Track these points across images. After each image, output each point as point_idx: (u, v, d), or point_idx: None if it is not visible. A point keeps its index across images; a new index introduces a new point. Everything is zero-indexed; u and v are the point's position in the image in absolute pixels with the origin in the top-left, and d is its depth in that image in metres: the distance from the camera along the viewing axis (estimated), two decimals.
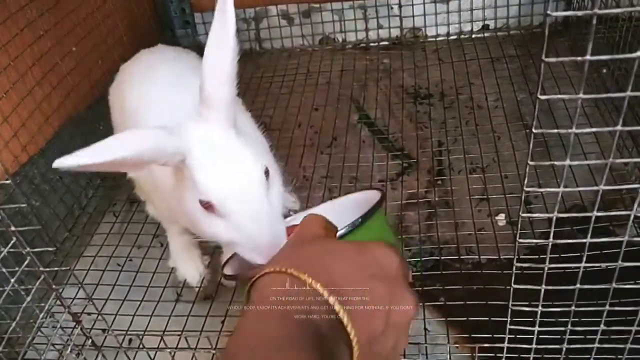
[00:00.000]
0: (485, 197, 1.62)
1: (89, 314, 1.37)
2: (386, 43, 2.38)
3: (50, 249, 1.32)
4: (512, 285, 0.93)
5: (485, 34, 2.31)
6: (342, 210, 0.96)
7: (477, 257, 1.46)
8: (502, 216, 1.58)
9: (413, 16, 2.32)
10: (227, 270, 0.93)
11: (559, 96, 0.72)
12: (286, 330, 0.60)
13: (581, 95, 0.68)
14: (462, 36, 2.33)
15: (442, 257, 1.47)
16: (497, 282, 1.34)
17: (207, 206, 0.93)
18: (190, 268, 1.48)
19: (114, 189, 1.83)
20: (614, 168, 1.61)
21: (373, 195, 0.92)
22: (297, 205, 1.60)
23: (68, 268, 1.37)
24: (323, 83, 2.19)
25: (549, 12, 0.63)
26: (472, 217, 1.55)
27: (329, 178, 1.77)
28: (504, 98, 1.95)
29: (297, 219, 0.98)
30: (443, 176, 1.73)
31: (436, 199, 1.64)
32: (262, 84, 2.26)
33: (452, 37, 2.33)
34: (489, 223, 1.55)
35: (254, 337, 0.61)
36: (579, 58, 0.66)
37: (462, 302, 1.32)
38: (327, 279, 0.64)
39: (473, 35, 2.32)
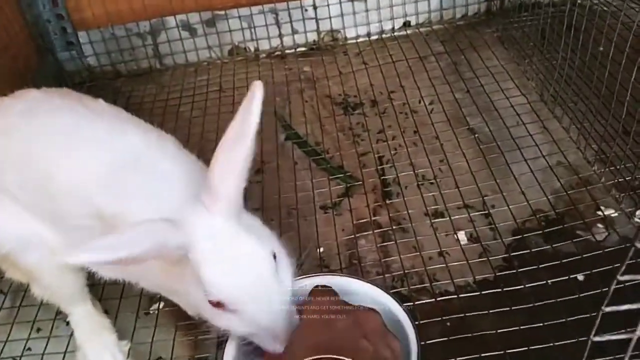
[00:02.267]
0: (441, 214, 1.47)
1: None
2: (304, 49, 2.20)
3: None
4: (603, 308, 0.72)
5: (408, 31, 2.19)
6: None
7: (444, 283, 1.31)
8: (462, 234, 1.44)
9: (330, 17, 2.15)
10: None
11: None
12: None
13: None
14: (384, 35, 2.19)
15: (410, 288, 1.31)
16: (473, 309, 1.21)
17: (217, 304, 0.89)
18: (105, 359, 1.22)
19: None
20: (576, 165, 1.53)
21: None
22: None
23: None
24: (240, 100, 1.95)
25: None
26: (434, 239, 1.40)
27: (265, 210, 1.55)
28: (441, 99, 1.82)
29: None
30: (391, 194, 1.57)
31: (392, 228, 1.46)
32: (167, 106, 1.99)
33: (373, 37, 2.19)
34: (449, 242, 1.41)
35: None
36: None
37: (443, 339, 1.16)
38: None
39: (395, 34, 2.19)
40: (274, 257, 0.91)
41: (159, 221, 0.87)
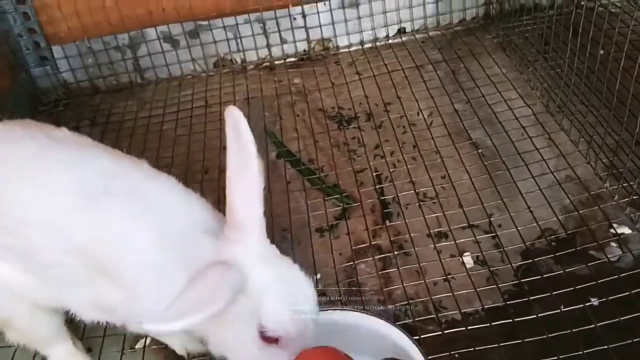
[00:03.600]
0: (445, 235, 1.43)
1: None
2: (294, 59, 2.16)
3: None
4: None
5: (403, 38, 2.16)
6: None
7: (451, 312, 1.27)
8: (468, 257, 1.40)
9: (320, 26, 2.12)
10: None
11: None
12: None
13: None
14: (378, 43, 2.16)
15: (415, 319, 1.26)
16: (482, 341, 1.17)
17: (271, 340, 0.90)
18: None
19: None
20: (586, 180, 1.50)
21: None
22: None
23: None
24: None
25: None
26: (437, 263, 1.36)
27: None
28: (440, 111, 1.79)
29: None
30: (391, 214, 1.52)
31: (394, 253, 1.42)
32: (151, 124, 1.94)
33: (367, 46, 2.16)
34: (454, 265, 1.37)
35: None
36: None
37: None
38: None
39: (390, 41, 2.16)
40: None
41: (223, 264, 0.88)
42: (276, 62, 2.16)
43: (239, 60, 2.16)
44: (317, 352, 1.04)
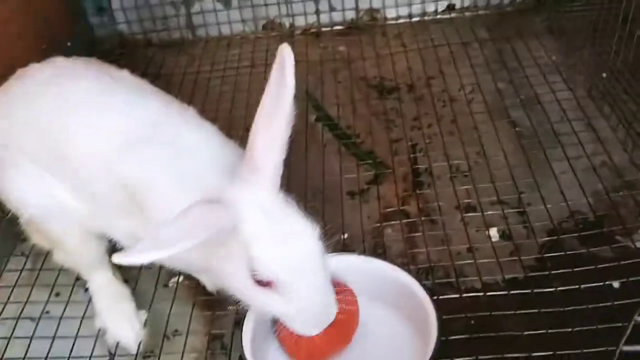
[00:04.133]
0: (474, 209, 1.46)
1: None
2: (340, 27, 2.20)
3: None
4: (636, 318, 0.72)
5: (452, 15, 2.16)
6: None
7: (472, 279, 1.31)
8: (494, 230, 1.43)
9: None
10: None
11: None
12: None
13: None
14: (426, 17, 2.17)
15: (435, 281, 1.31)
16: (499, 309, 1.22)
17: (263, 283, 0.91)
18: (124, 327, 1.25)
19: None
20: (621, 167, 1.51)
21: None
22: None
23: None
24: None
25: None
26: (463, 234, 1.40)
27: (290, 191, 1.57)
28: (482, 89, 1.81)
29: None
30: (422, 184, 1.57)
31: (421, 218, 1.46)
32: (199, 79, 2.02)
33: (414, 19, 2.17)
34: (480, 237, 1.41)
35: None
36: None
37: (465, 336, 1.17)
38: None
39: (438, 16, 2.17)
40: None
41: (209, 203, 0.87)
42: (323, 29, 2.20)
43: (287, 25, 2.21)
44: None
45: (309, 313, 0.94)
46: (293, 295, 0.92)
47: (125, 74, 1.17)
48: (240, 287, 0.95)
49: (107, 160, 1.04)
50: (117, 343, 1.26)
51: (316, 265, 0.93)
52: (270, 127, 0.91)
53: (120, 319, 1.26)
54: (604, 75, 1.63)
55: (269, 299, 0.93)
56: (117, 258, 0.78)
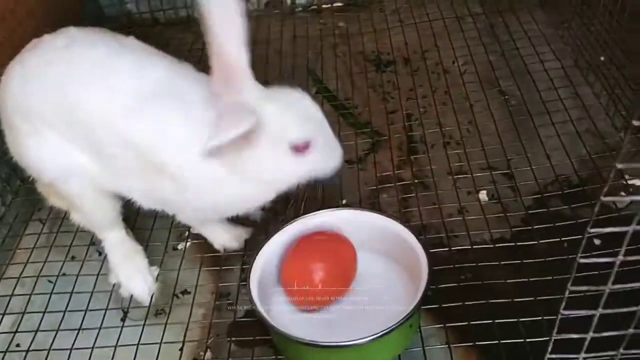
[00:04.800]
0: (465, 173, 1.55)
1: (15, 351, 1.23)
2: (340, 4, 2.27)
3: None
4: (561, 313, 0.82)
5: None
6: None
7: (461, 235, 1.39)
8: (483, 193, 1.52)
9: None
10: None
11: None
12: None
13: None
14: None
15: (427, 237, 1.40)
16: (486, 260, 1.31)
17: (301, 148, 1.07)
18: (137, 281, 1.34)
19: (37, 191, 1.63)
20: (604, 132, 1.58)
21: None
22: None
23: None
24: (274, 53, 2.06)
25: None
26: (454, 196, 1.49)
27: None
28: (475, 61, 1.88)
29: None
30: (416, 152, 1.66)
31: (415, 181, 1.56)
32: (204, 56, 2.07)
33: None
34: (470, 199, 1.49)
35: None
36: None
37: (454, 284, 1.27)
38: None
39: None
40: None
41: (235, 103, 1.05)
42: (323, 6, 2.27)
43: (288, 2, 2.28)
44: (324, 236, 1.22)
45: (339, 154, 1.16)
46: (328, 144, 1.13)
47: (132, 39, 1.25)
48: (283, 167, 1.11)
49: (119, 121, 1.12)
50: (131, 296, 1.34)
51: (329, 124, 1.16)
52: (229, 29, 1.06)
53: (133, 273, 1.34)
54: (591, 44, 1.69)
55: (305, 162, 1.10)
56: (201, 149, 1.02)
